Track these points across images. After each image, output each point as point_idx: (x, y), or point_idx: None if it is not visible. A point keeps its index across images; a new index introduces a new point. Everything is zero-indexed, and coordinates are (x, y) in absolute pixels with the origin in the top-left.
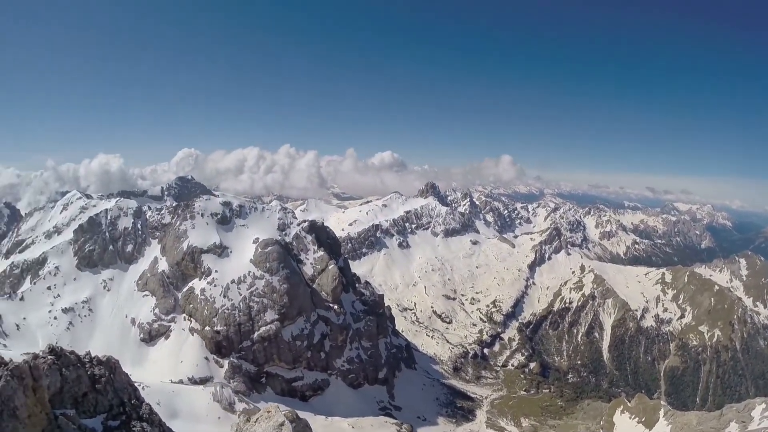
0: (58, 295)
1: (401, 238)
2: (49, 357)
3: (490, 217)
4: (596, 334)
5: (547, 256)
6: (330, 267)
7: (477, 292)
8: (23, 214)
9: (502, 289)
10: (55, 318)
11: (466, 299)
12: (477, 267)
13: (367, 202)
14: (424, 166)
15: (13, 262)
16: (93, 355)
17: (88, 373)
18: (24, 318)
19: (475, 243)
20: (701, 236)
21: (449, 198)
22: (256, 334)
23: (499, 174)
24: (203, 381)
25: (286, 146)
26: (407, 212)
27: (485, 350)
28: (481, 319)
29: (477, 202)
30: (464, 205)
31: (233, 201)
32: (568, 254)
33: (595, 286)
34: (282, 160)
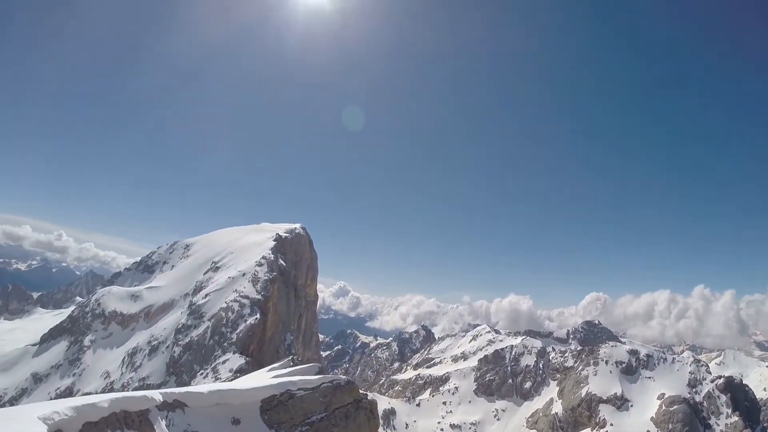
0: (450, 411)
1: None
2: None
3: None
4: None
5: None
6: None
7: None
8: (437, 338)
9: None
10: (442, 429)
11: None
12: None
13: None
14: None
15: (419, 374)
16: None
17: None
18: (414, 421)
19: None
20: None
21: None
22: None
23: None
24: None
25: (700, 287)
26: None
27: None
28: None
29: None
30: None
31: (641, 350)
32: None
33: None
34: (695, 304)
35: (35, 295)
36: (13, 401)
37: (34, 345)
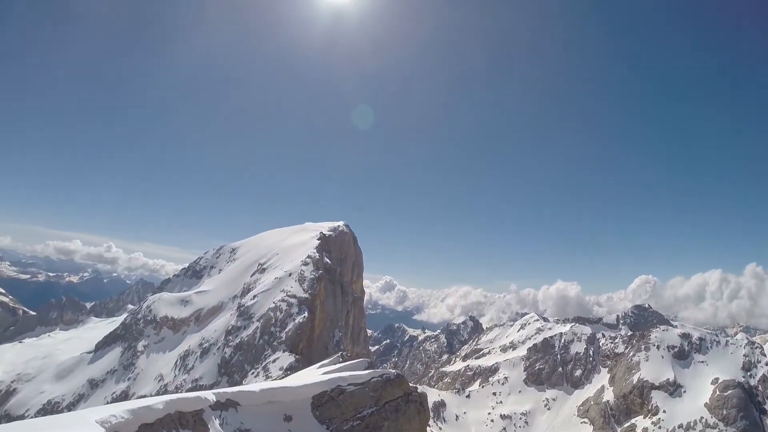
0: (500, 402)
1: None
2: None
3: None
4: None
5: None
6: None
7: None
8: (485, 328)
9: None
10: (492, 420)
11: None
12: None
13: None
14: None
15: (468, 365)
16: None
17: None
18: (464, 412)
19: None
20: None
21: None
22: None
23: None
24: None
25: (752, 265)
26: None
27: None
28: None
29: None
30: None
31: (693, 333)
32: None
33: None
34: (748, 283)
35: (88, 305)
36: (71, 407)
37: (90, 353)
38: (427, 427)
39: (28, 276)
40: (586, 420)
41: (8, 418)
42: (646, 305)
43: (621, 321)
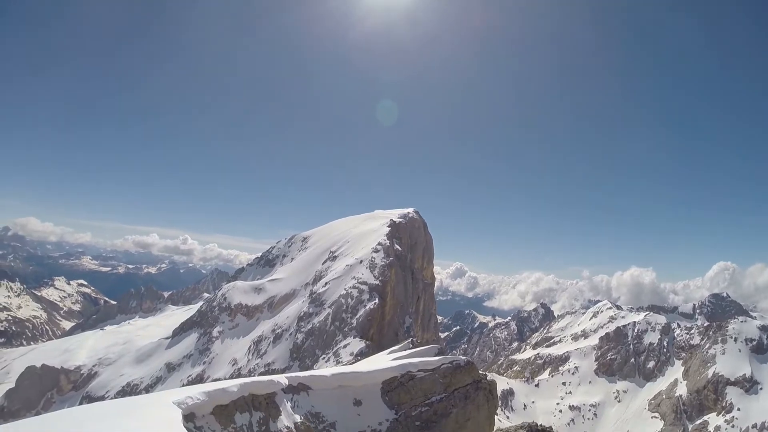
0: (570, 392)
1: None
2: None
3: None
4: None
5: None
6: None
7: None
8: (556, 315)
9: None
10: (560, 411)
11: None
12: None
13: None
14: None
15: (538, 354)
16: None
17: None
18: (533, 402)
19: None
20: None
21: None
22: None
23: None
24: None
25: None
26: None
27: None
28: None
29: None
30: None
31: None
32: None
33: None
34: None
35: (166, 294)
36: (149, 389)
37: (167, 338)
38: (495, 416)
39: (109, 268)
40: (656, 415)
41: (89, 398)
42: (724, 294)
43: (697, 310)
